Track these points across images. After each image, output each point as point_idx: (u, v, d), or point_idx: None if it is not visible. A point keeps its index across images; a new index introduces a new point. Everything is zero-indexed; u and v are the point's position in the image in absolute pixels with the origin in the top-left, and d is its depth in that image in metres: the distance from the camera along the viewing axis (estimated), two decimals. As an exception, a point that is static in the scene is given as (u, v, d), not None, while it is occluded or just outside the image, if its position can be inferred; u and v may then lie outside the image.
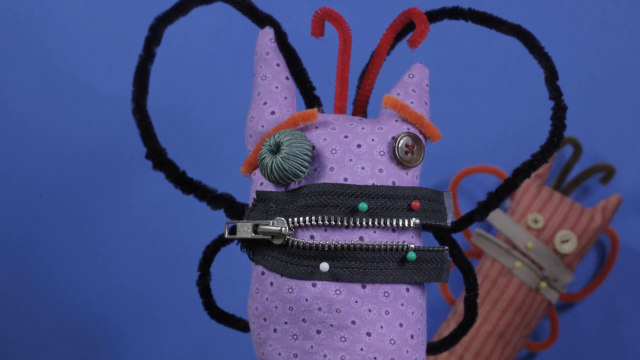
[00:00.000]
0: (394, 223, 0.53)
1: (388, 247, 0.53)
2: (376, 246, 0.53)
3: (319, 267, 0.53)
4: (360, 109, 0.61)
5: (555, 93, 0.57)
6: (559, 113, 0.57)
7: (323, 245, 0.53)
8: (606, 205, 0.99)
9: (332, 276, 0.53)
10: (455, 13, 0.60)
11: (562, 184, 1.00)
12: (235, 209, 0.58)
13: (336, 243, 0.53)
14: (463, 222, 0.59)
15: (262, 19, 0.60)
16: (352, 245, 0.53)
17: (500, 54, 0.98)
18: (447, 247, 0.55)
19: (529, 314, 0.98)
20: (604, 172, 1.00)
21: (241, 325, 0.63)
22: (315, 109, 0.55)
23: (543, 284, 0.96)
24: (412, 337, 0.54)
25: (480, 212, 0.59)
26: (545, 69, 0.58)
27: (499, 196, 0.58)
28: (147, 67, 0.55)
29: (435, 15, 0.61)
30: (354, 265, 0.53)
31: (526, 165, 0.58)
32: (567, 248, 0.97)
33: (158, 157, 0.55)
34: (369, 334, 0.53)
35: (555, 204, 0.97)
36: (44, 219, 1.06)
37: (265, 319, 0.55)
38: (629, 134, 1.03)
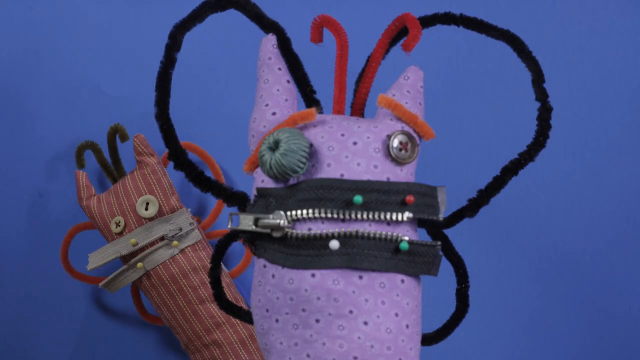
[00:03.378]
0: (388, 217, 0.55)
1: (383, 236, 0.55)
2: (371, 234, 0.55)
3: (328, 245, 0.54)
4: (358, 112, 0.63)
5: (541, 95, 0.60)
6: (545, 114, 0.59)
7: (321, 235, 0.55)
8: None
9: (343, 253, 0.54)
10: (447, 19, 0.62)
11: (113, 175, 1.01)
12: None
13: (333, 231, 0.55)
14: (454, 218, 0.61)
15: (268, 25, 0.62)
16: (348, 233, 0.55)
17: (495, 55, 0.98)
18: (439, 243, 0.57)
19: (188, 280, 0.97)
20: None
21: (248, 317, 0.65)
22: (313, 109, 0.57)
23: (175, 244, 0.96)
24: (407, 326, 0.56)
25: (471, 209, 0.60)
26: (532, 72, 0.60)
27: (488, 193, 0.60)
28: (168, 72, 0.59)
29: (427, 21, 0.62)
30: (351, 252, 0.55)
31: (514, 164, 0.60)
32: (151, 211, 0.96)
33: (179, 158, 0.59)
34: (366, 323, 0.54)
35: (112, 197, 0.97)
36: (44, 219, 1.06)
37: (267, 310, 0.57)
38: (623, 135, 1.03)
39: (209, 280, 0.64)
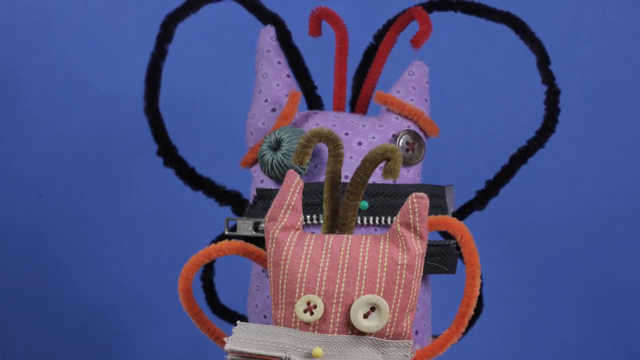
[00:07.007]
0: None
1: None
2: None
3: None
4: (362, 109, 0.61)
5: (547, 77, 0.58)
6: (552, 97, 0.58)
7: None
8: None
9: None
10: (443, 4, 0.60)
11: None
12: (241, 206, 0.59)
13: None
14: (463, 212, 0.60)
15: (267, 17, 0.60)
16: None
17: (501, 50, 0.99)
18: (453, 241, 0.54)
19: None
20: None
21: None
22: (293, 90, 0.56)
23: None
24: (416, 333, 0.55)
25: (480, 201, 0.59)
26: (536, 54, 0.58)
27: (497, 184, 0.59)
28: (159, 64, 0.57)
29: (424, 8, 0.61)
30: None
31: (522, 152, 0.59)
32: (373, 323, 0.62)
33: (169, 154, 0.58)
34: None
35: None
36: (44, 218, 1.06)
37: (265, 316, 0.55)
38: (629, 133, 1.04)
39: (201, 284, 0.63)
